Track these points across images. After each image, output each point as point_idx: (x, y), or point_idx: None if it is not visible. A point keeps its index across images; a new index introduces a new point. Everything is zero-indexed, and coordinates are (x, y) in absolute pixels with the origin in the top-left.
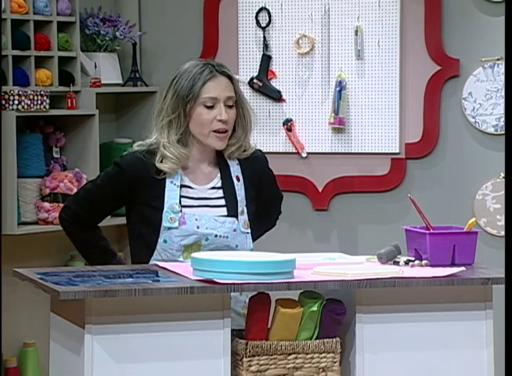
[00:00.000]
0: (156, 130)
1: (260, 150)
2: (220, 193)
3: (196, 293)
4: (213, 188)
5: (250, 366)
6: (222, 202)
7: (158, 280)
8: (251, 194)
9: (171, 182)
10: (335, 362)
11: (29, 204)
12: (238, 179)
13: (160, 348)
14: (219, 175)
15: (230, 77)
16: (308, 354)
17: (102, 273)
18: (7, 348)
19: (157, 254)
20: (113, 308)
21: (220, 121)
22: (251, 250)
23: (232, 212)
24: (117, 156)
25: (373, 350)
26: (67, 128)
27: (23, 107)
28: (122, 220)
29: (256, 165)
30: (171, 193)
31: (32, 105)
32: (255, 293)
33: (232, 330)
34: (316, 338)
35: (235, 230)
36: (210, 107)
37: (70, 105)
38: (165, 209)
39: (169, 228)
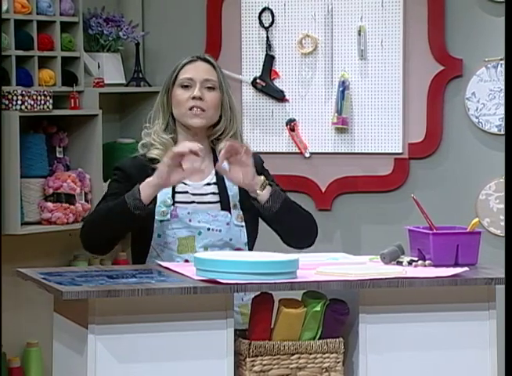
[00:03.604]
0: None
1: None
2: (214, 188)
3: (199, 293)
4: (208, 184)
5: (253, 366)
6: (216, 198)
7: (161, 280)
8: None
9: None
10: (338, 362)
11: (32, 204)
12: None
13: (163, 348)
14: (214, 171)
15: (213, 65)
16: (311, 354)
17: (105, 273)
18: (10, 348)
19: (153, 250)
20: (116, 308)
21: (194, 98)
22: (245, 243)
23: (225, 207)
24: (121, 156)
25: (376, 350)
26: (70, 128)
27: (26, 107)
28: None
29: None
30: (164, 189)
31: (35, 105)
32: (258, 293)
33: (235, 331)
34: (319, 338)
35: (228, 224)
36: (187, 87)
37: (73, 105)
38: (158, 203)
39: (161, 221)
